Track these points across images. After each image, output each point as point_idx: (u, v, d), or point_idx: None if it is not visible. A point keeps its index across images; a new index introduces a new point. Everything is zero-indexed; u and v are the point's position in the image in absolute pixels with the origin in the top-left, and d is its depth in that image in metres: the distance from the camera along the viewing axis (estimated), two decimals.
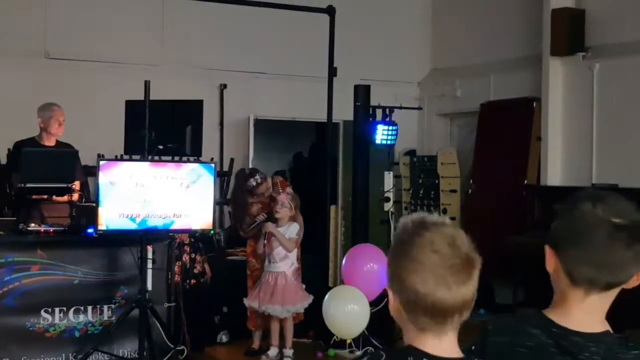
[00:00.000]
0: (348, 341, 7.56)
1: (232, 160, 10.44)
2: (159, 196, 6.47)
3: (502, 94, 10.89)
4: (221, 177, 9.92)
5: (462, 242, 1.85)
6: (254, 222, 7.86)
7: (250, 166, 9.91)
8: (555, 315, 1.95)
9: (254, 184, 7.90)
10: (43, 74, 9.74)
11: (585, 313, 1.95)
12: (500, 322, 1.99)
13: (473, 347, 2.02)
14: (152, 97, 6.92)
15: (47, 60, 9.95)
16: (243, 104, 10.89)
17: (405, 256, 1.84)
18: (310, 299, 7.65)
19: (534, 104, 10.32)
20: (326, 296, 7.28)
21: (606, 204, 1.93)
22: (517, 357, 1.91)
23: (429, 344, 1.85)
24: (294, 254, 7.69)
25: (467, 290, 1.82)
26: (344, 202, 11.26)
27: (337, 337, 7.55)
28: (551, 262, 1.99)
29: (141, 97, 6.93)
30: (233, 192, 8.55)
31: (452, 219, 10.75)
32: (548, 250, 2.00)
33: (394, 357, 1.91)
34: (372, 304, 7.45)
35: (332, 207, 9.99)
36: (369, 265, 7.58)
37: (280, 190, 7.79)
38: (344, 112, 9.55)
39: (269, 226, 7.53)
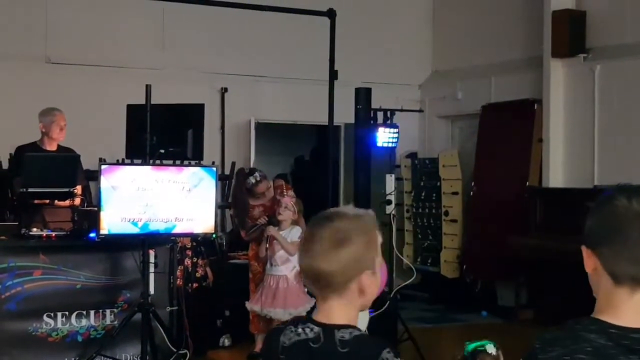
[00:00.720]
0: None
1: (233, 163, 10.43)
2: (160, 200, 6.45)
3: (503, 95, 10.89)
4: (223, 180, 9.91)
5: (342, 221, 2.22)
6: (255, 225, 7.86)
7: None
8: (605, 317, 1.87)
9: (253, 181, 7.89)
10: (44, 78, 9.77)
11: (635, 311, 1.86)
12: (548, 336, 1.90)
13: None
14: (153, 101, 6.92)
15: (48, 65, 9.97)
16: (244, 107, 10.90)
17: (304, 235, 2.32)
18: (312, 302, 7.63)
19: (535, 106, 10.33)
20: None
21: None
22: None
23: (319, 310, 2.27)
24: (296, 258, 7.66)
25: (329, 261, 2.18)
26: (345, 205, 11.24)
27: None
28: (590, 262, 1.91)
29: (142, 101, 6.93)
30: (233, 192, 8.54)
31: (454, 221, 10.84)
32: (585, 250, 1.92)
33: (293, 323, 2.30)
34: (374, 308, 7.44)
35: None
36: None
37: (285, 193, 7.78)
38: (345, 115, 9.55)
39: (271, 230, 7.52)
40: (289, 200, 7.68)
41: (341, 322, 2.22)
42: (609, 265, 1.87)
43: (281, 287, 7.51)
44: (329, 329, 2.21)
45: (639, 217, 1.84)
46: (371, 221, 2.28)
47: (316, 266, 2.21)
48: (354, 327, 2.23)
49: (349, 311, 2.25)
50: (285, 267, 7.56)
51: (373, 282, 2.25)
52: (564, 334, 1.88)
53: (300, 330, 2.24)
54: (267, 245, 7.50)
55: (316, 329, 2.23)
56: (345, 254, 2.19)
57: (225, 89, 10.82)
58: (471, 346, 3.80)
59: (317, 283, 2.24)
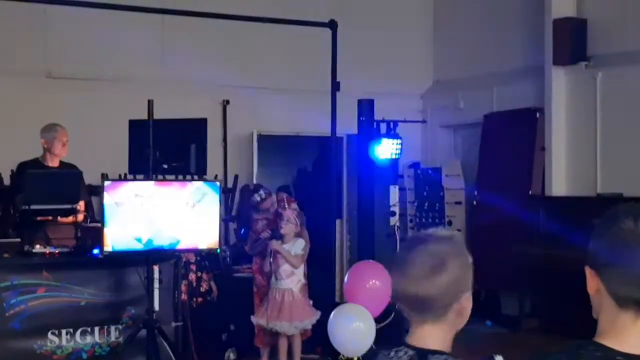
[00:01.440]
0: (355, 358, 7.52)
1: (236, 176, 10.42)
2: (164, 216, 6.42)
3: (505, 104, 10.88)
4: (225, 193, 9.89)
5: (439, 245, 2.22)
6: (258, 239, 7.84)
7: (255, 182, 9.90)
8: (610, 342, 1.84)
9: (258, 199, 7.88)
10: (45, 93, 9.75)
11: (639, 337, 1.83)
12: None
13: None
14: (154, 115, 6.89)
15: (49, 80, 9.95)
16: (246, 119, 10.88)
17: (396, 259, 2.28)
18: (317, 314, 7.62)
19: (538, 114, 10.33)
20: (330, 316, 7.25)
21: None
22: None
23: (414, 334, 2.24)
24: (301, 270, 7.66)
25: (432, 285, 2.17)
26: (348, 216, 11.23)
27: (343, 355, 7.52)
28: (592, 283, 1.88)
29: (143, 114, 6.90)
30: (238, 209, 8.52)
31: (458, 230, 10.81)
32: (588, 271, 1.89)
33: (385, 347, 2.28)
34: (378, 320, 7.43)
35: (337, 221, 9.96)
36: (371, 282, 7.55)
37: (286, 207, 7.76)
38: (347, 125, 9.54)
39: (274, 244, 7.50)
40: (291, 213, 7.67)
41: (435, 347, 2.22)
42: (613, 287, 1.84)
43: (287, 300, 7.49)
44: (424, 354, 2.20)
45: None
46: (462, 242, 2.28)
47: (414, 291, 2.19)
48: (448, 354, 2.22)
49: (444, 336, 2.25)
50: (290, 281, 7.55)
51: (470, 303, 2.26)
52: (567, 358, 1.83)
53: (393, 354, 2.23)
54: (271, 259, 7.49)
55: (410, 352, 2.22)
56: (445, 278, 2.19)
57: (227, 102, 10.81)
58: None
59: (415, 308, 2.22)
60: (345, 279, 7.77)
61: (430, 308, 2.20)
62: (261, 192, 7.89)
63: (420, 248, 2.22)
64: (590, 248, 1.88)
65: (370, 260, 8.13)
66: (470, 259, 2.27)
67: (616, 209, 1.87)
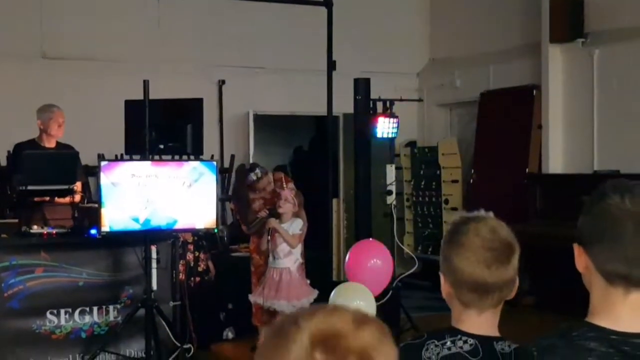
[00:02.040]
0: None
1: (232, 156, 10.42)
2: (161, 196, 6.43)
3: (501, 82, 10.87)
4: (222, 173, 9.89)
5: (503, 230, 2.17)
6: (256, 218, 7.85)
7: (251, 161, 9.91)
8: (602, 321, 1.83)
9: (254, 178, 7.88)
10: (40, 74, 9.73)
11: (631, 313, 1.82)
12: (545, 343, 1.84)
13: None
14: (150, 95, 6.88)
15: (44, 61, 9.93)
16: (242, 99, 10.87)
17: (454, 242, 2.17)
18: (315, 293, 7.64)
19: (534, 92, 10.31)
20: (332, 294, 7.27)
21: (635, 196, 1.82)
22: None
23: (469, 321, 2.15)
24: (298, 250, 7.66)
25: (505, 271, 2.12)
26: (345, 195, 11.24)
27: None
28: (581, 260, 1.89)
29: (139, 94, 6.89)
30: (234, 188, 8.52)
31: (454, 209, 10.83)
32: (577, 248, 1.89)
33: (433, 336, 2.18)
34: (377, 298, 7.46)
35: (334, 201, 9.97)
36: (372, 261, 7.57)
37: (284, 186, 7.76)
38: (343, 105, 9.53)
39: (272, 222, 7.50)
40: (288, 193, 7.66)
41: (494, 334, 2.17)
42: (600, 264, 1.84)
43: (284, 279, 7.50)
44: (487, 341, 2.15)
45: (632, 216, 1.81)
46: None
47: (487, 277, 2.11)
48: (507, 339, 2.17)
49: (496, 321, 2.20)
50: (288, 260, 7.55)
51: None
52: (561, 342, 1.82)
53: (449, 343, 2.15)
54: (269, 238, 7.50)
55: (471, 341, 2.14)
56: (514, 262, 2.16)
57: (223, 82, 10.79)
58: None
59: (483, 294, 2.14)
60: (347, 257, 7.78)
61: (500, 293, 2.14)
62: (257, 171, 7.89)
63: (485, 232, 2.15)
64: (579, 224, 1.89)
65: (372, 239, 8.14)
66: None
67: (604, 185, 1.88)
